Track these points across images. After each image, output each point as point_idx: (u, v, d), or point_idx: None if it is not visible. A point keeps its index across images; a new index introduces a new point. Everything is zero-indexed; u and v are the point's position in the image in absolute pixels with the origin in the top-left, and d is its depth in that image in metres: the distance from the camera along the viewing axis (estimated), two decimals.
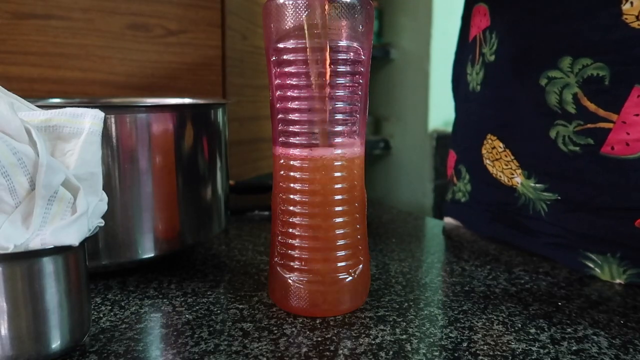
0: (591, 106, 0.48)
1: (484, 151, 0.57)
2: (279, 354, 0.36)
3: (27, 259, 0.32)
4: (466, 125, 0.64)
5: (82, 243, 0.34)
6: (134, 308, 0.43)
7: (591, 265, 0.51)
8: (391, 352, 0.36)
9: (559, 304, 0.45)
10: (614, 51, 0.45)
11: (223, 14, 0.88)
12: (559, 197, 0.52)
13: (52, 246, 0.32)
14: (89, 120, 0.35)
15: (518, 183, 0.55)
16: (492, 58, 0.58)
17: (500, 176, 0.57)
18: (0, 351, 0.32)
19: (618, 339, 0.38)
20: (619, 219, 0.48)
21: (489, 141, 0.56)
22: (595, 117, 0.47)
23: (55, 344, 0.33)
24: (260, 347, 0.37)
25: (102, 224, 0.36)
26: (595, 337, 0.39)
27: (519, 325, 0.40)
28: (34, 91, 0.83)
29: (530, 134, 0.53)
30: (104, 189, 0.37)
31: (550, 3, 0.51)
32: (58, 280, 0.33)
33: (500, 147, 0.55)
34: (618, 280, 0.50)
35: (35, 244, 0.32)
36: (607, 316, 0.42)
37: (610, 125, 0.47)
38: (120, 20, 0.83)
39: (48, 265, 0.33)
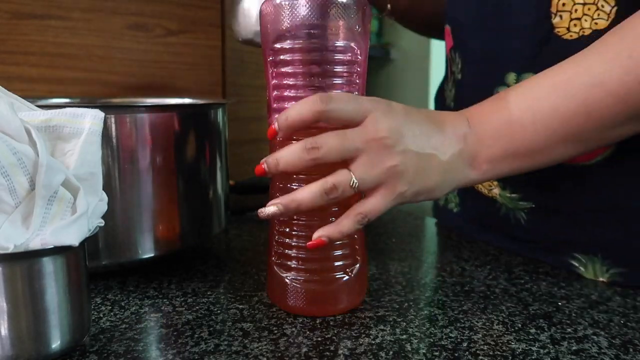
0: None
1: None
2: (279, 354, 0.36)
3: (27, 259, 0.32)
4: None
5: (82, 243, 0.34)
6: (134, 308, 0.43)
7: (576, 264, 0.52)
8: (391, 352, 0.36)
9: (559, 304, 0.45)
10: (553, 63, 0.46)
11: (223, 14, 0.88)
12: (534, 205, 0.54)
13: (52, 246, 0.32)
14: (89, 120, 0.35)
15: (497, 194, 0.57)
16: (459, 77, 0.60)
17: (481, 189, 0.58)
18: (1, 351, 0.32)
19: (618, 339, 0.38)
20: (593, 222, 0.50)
21: None
22: None
23: (55, 343, 0.33)
24: (260, 347, 0.37)
25: (102, 224, 0.36)
26: (595, 337, 0.39)
27: (519, 325, 0.40)
28: (34, 91, 0.83)
29: None
30: (104, 189, 0.37)
31: (492, 24, 0.53)
32: (58, 280, 0.33)
33: None
34: (601, 279, 0.50)
35: (35, 244, 0.32)
36: (607, 316, 0.42)
37: None
38: (120, 20, 0.83)
39: (48, 265, 0.33)
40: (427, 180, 0.41)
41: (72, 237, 0.33)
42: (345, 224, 0.39)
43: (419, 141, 0.40)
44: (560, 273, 0.52)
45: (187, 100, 0.64)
